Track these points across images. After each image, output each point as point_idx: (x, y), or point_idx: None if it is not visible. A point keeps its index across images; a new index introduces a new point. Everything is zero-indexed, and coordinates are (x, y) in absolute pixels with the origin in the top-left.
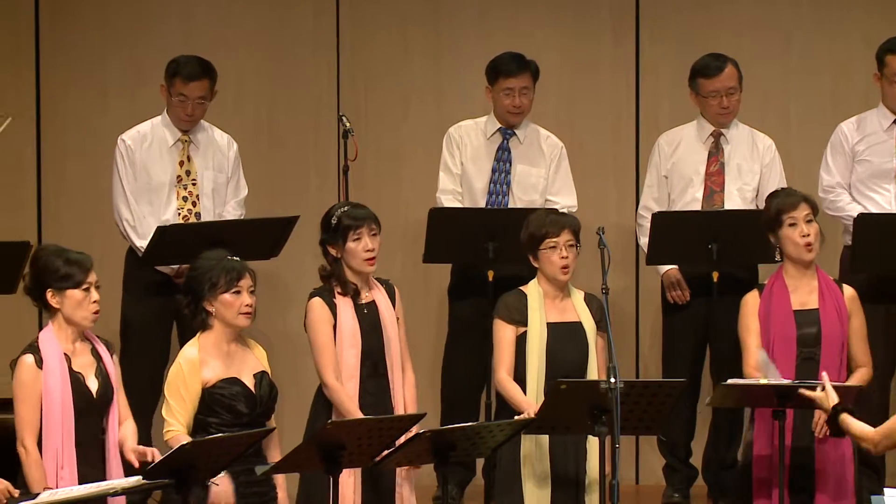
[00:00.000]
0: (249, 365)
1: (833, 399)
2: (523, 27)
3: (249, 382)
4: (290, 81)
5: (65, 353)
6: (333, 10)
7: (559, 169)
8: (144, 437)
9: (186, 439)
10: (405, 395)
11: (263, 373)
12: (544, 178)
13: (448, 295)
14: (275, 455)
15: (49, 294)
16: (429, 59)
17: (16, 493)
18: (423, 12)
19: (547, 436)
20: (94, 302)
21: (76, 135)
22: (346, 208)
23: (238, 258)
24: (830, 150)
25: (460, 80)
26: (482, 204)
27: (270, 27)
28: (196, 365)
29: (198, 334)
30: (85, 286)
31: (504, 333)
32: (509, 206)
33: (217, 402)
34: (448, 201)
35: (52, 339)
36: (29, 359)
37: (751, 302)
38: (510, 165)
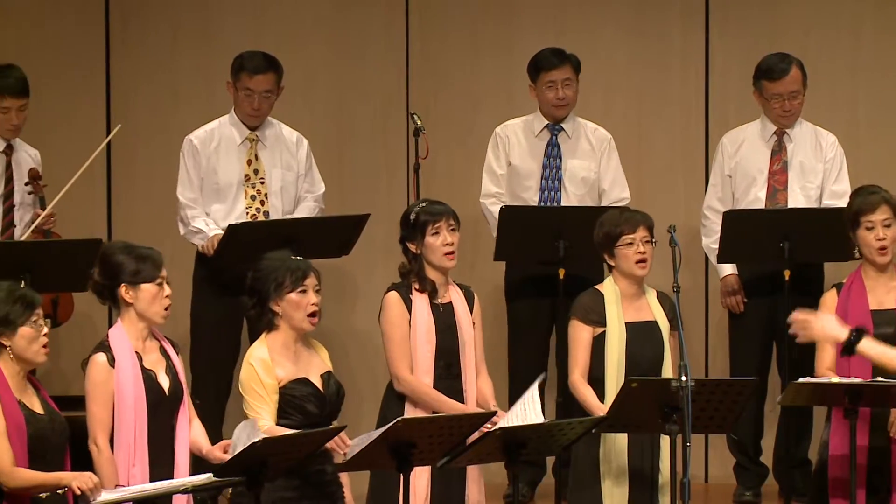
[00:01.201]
0: (316, 365)
1: None
2: (593, 26)
3: (317, 383)
4: (359, 80)
5: (136, 352)
6: (403, 9)
7: (610, 161)
8: (214, 438)
9: (282, 430)
10: (485, 394)
11: (330, 373)
12: (595, 171)
13: (505, 296)
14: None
15: (123, 289)
16: (499, 58)
17: (100, 485)
18: (494, 11)
19: (625, 435)
20: (167, 297)
21: (146, 134)
22: (424, 204)
23: (302, 258)
24: None
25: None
26: (535, 202)
27: (340, 25)
28: (269, 364)
29: (263, 335)
30: (158, 280)
31: (581, 334)
32: (562, 201)
33: (288, 402)
34: (493, 205)
35: (123, 336)
36: (101, 357)
37: (829, 301)
38: (560, 161)
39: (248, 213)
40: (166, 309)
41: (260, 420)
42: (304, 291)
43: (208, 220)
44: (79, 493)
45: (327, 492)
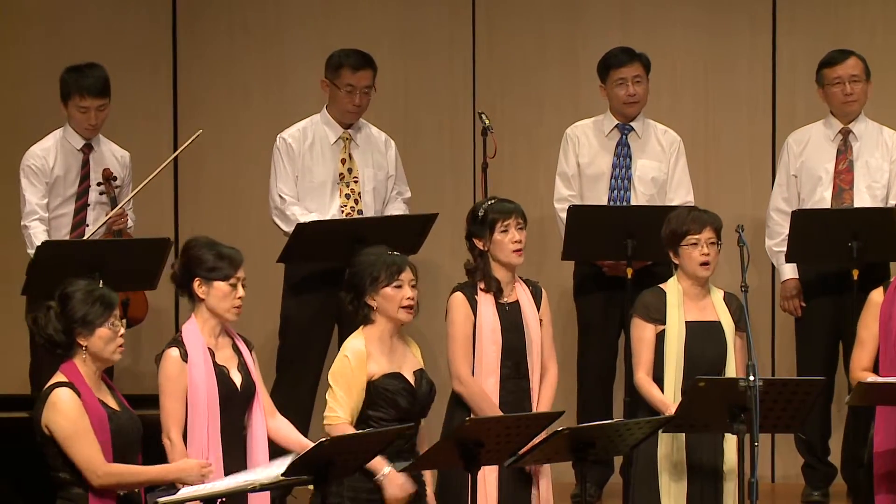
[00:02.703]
0: (410, 361)
1: None
2: (660, 26)
3: (410, 379)
4: (426, 80)
5: (208, 348)
6: (470, 9)
7: (677, 164)
8: (304, 431)
9: (348, 430)
10: (541, 393)
11: (422, 370)
12: (665, 172)
13: (574, 294)
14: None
15: (196, 283)
16: (565, 58)
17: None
18: (560, 11)
19: (684, 433)
20: (239, 297)
21: (213, 133)
22: (493, 201)
23: (398, 253)
24: None
25: (597, 80)
26: (604, 201)
27: (407, 26)
28: (363, 357)
29: (360, 327)
30: (233, 281)
31: (643, 332)
32: (632, 201)
33: (380, 395)
34: (563, 211)
35: (196, 332)
36: (174, 352)
37: (875, 298)
38: (630, 161)
39: (343, 212)
40: (237, 308)
41: (334, 413)
42: (399, 286)
43: (310, 215)
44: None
45: None
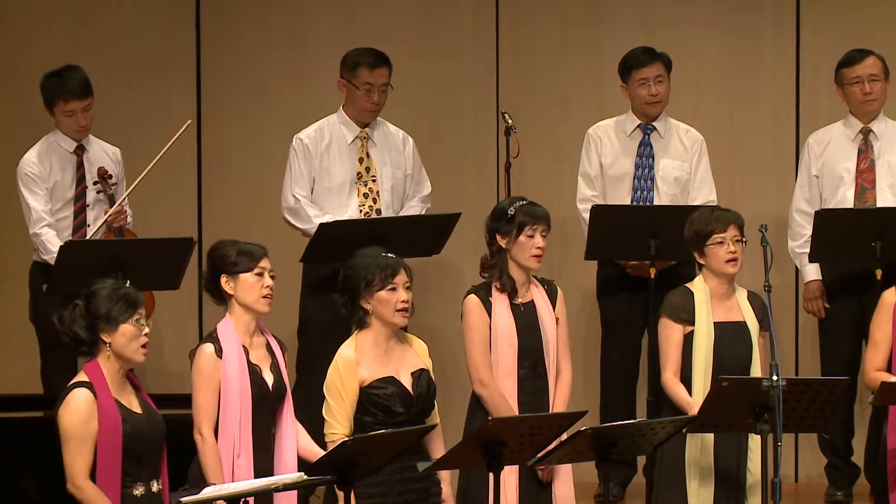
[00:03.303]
0: (408, 362)
1: None
2: (683, 25)
3: (407, 381)
4: (449, 80)
5: (242, 345)
6: (493, 8)
7: (700, 163)
8: (319, 433)
9: None
10: (556, 394)
11: (422, 370)
12: (687, 171)
13: (597, 294)
14: (438, 451)
15: (223, 280)
16: (588, 58)
17: None
18: (583, 11)
19: (711, 434)
20: (267, 287)
21: (237, 133)
22: (524, 203)
23: (393, 255)
24: None
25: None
26: (627, 201)
27: (430, 25)
28: (352, 364)
29: (354, 333)
30: (257, 271)
31: (671, 333)
32: (654, 201)
33: (373, 402)
34: (586, 211)
35: (231, 329)
36: (209, 348)
37: (888, 298)
38: (653, 160)
39: (361, 211)
40: (265, 297)
41: (333, 430)
42: (393, 289)
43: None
44: None
45: (415, 487)
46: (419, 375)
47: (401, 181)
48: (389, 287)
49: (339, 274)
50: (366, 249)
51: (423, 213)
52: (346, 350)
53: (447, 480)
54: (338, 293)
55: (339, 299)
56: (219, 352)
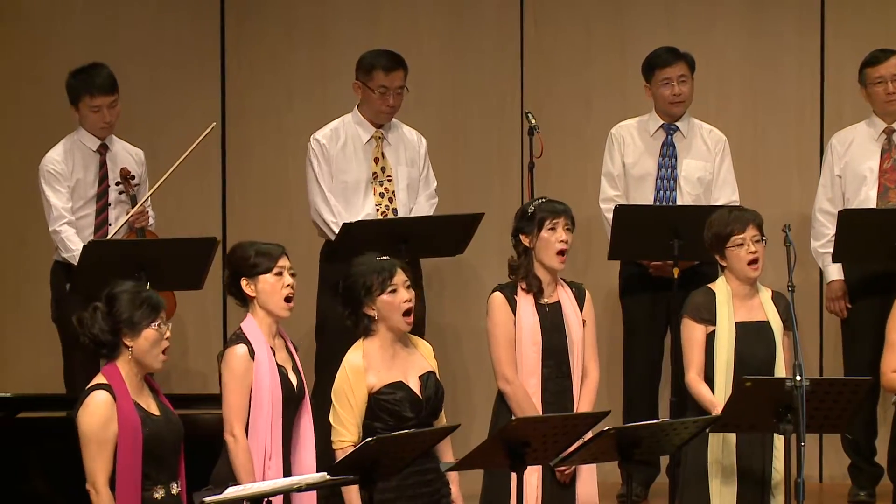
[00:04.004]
0: (416, 366)
1: None
2: (707, 25)
3: (415, 385)
4: (473, 80)
5: (270, 347)
6: (517, 8)
7: (722, 163)
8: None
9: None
10: (581, 395)
11: (430, 373)
12: (710, 172)
13: (620, 294)
14: (446, 452)
15: (244, 283)
16: (612, 57)
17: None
18: (607, 11)
19: (734, 434)
20: (288, 286)
21: (261, 133)
22: (543, 201)
23: (388, 257)
24: None
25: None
26: (650, 201)
27: (454, 25)
28: (360, 371)
29: (360, 339)
30: (276, 270)
31: (694, 333)
32: (677, 201)
33: (382, 407)
34: (609, 211)
35: (257, 331)
36: (241, 349)
37: None
38: (675, 161)
39: (378, 211)
40: (287, 300)
41: (341, 437)
42: (394, 290)
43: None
44: None
45: (426, 490)
46: (427, 378)
47: (416, 180)
48: (390, 289)
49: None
50: (360, 258)
51: (431, 210)
52: (354, 357)
53: (456, 481)
54: (340, 306)
55: (342, 312)
56: (251, 353)
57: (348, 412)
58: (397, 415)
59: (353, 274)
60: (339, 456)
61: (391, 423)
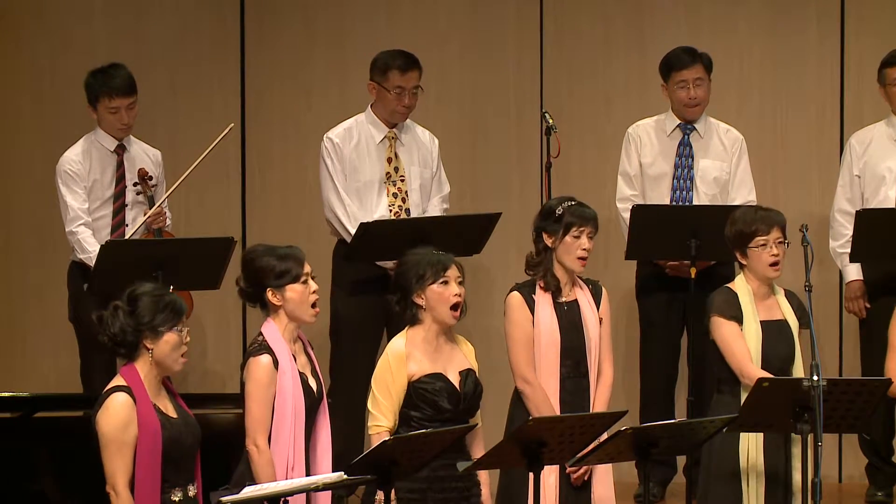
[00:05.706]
0: (456, 361)
1: None
2: (728, 25)
3: (454, 379)
4: (492, 79)
5: (292, 354)
6: (537, 8)
7: (739, 163)
8: (356, 435)
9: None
10: (596, 394)
11: (470, 370)
12: (727, 171)
13: (636, 294)
14: (478, 451)
15: (270, 293)
16: (632, 57)
17: None
18: (627, 10)
19: (762, 434)
20: (314, 293)
21: (280, 133)
22: (573, 203)
23: (444, 252)
24: None
25: None
26: (667, 201)
27: (474, 25)
28: (402, 358)
29: (406, 328)
30: (303, 279)
31: (729, 329)
32: (694, 201)
33: (420, 396)
34: (626, 211)
35: (279, 338)
36: (266, 359)
37: None
38: (692, 161)
39: (391, 211)
40: (314, 306)
41: (377, 423)
42: (445, 283)
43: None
44: None
45: (457, 486)
46: (466, 375)
47: (428, 181)
48: (441, 280)
49: (372, 275)
50: (417, 249)
51: (442, 213)
52: (398, 343)
53: (486, 483)
54: (390, 291)
55: (392, 298)
56: (276, 363)
57: (387, 398)
58: (435, 405)
59: (407, 262)
60: (375, 441)
61: (428, 413)
